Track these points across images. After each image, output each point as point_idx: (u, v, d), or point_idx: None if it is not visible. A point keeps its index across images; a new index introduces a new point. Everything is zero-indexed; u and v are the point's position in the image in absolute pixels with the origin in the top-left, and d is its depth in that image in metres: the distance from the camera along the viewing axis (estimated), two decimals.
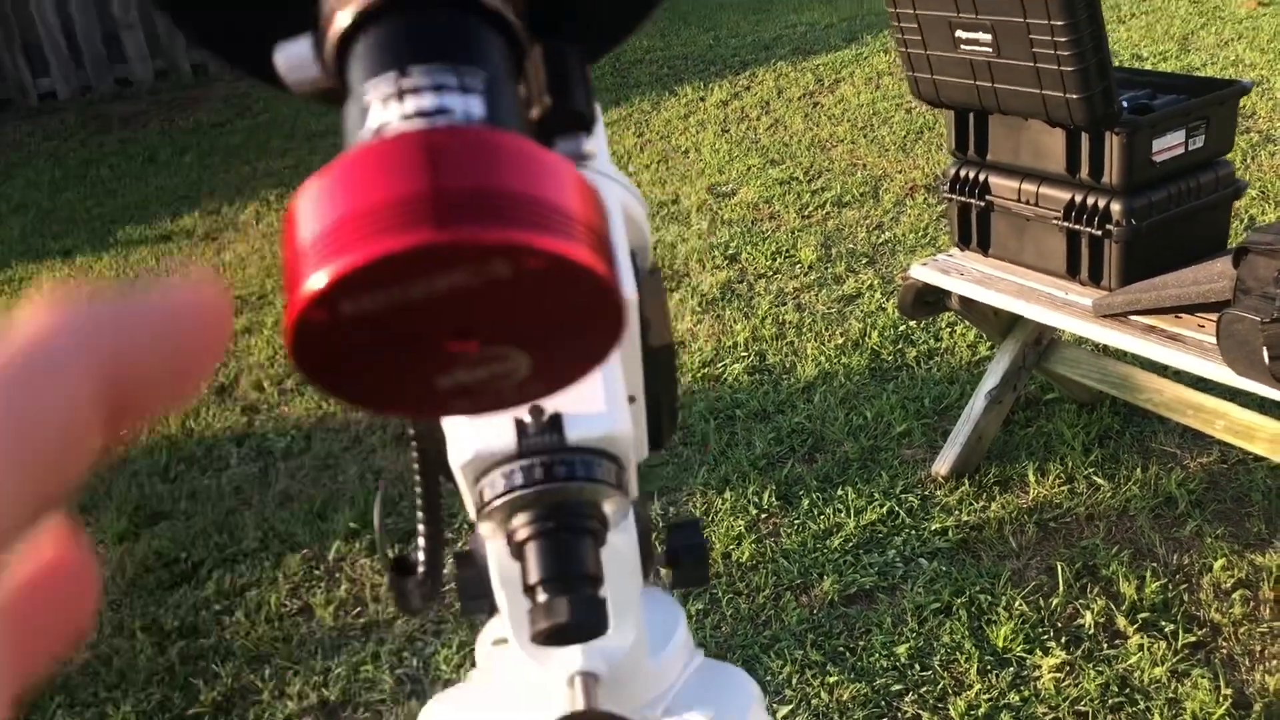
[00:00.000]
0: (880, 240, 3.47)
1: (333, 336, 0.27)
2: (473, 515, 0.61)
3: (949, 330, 2.89)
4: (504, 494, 0.56)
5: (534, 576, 0.56)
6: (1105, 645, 1.94)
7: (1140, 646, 1.92)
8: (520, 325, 0.29)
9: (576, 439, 0.57)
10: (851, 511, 2.31)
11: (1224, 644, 1.92)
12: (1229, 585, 2.03)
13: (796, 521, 2.31)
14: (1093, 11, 1.94)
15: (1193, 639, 1.93)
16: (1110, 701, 1.83)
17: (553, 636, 0.55)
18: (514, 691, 0.71)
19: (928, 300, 2.38)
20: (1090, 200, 2.08)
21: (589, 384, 0.58)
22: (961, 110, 2.24)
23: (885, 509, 2.31)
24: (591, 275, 0.28)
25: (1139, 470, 2.33)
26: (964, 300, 2.32)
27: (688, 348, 3.01)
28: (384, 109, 0.30)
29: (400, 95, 0.31)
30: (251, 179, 4.83)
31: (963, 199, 2.29)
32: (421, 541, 0.83)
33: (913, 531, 2.25)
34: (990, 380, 2.40)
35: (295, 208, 0.29)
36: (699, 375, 2.88)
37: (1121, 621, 1.98)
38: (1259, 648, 1.91)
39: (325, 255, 0.27)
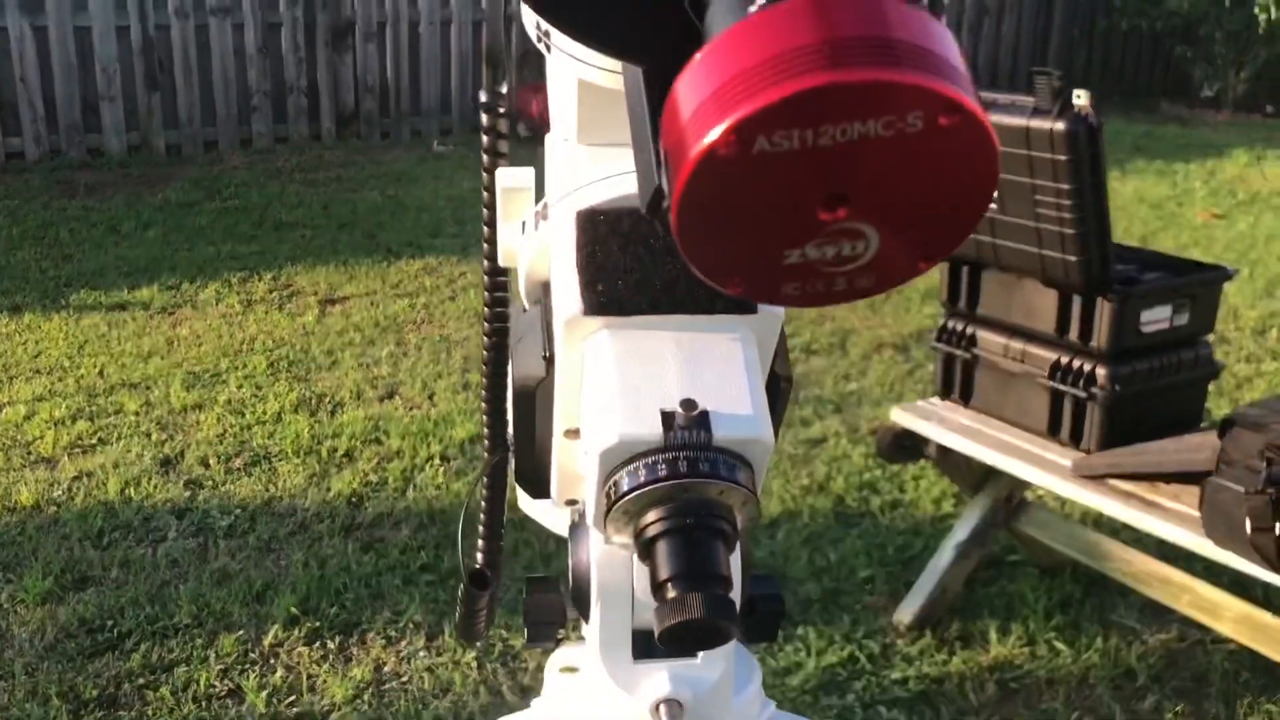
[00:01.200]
0: (848, 390, 3.50)
1: (727, 178, 0.28)
2: (593, 515, 0.58)
3: (914, 483, 2.90)
4: (645, 485, 0.54)
5: (666, 572, 0.53)
6: None
7: None
8: (896, 192, 0.29)
9: (723, 438, 0.55)
10: (812, 652, 2.27)
11: None
12: None
13: (756, 654, 2.25)
14: (1097, 179, 2.01)
15: None
16: None
17: (681, 635, 0.52)
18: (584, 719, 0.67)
19: (905, 445, 2.40)
20: (1077, 363, 2.12)
21: (737, 384, 0.57)
22: (957, 262, 2.29)
23: (846, 653, 2.27)
24: (988, 140, 0.29)
25: (1100, 639, 2.33)
26: (941, 449, 2.34)
27: None
28: None
29: None
30: (215, 260, 4.78)
31: (949, 349, 2.33)
32: (484, 562, 0.80)
33: (873, 678, 2.21)
34: (959, 534, 2.39)
35: (703, 53, 0.28)
36: None
37: None
38: None
39: (768, 80, 0.27)
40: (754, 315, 0.58)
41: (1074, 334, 2.13)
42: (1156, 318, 2.13)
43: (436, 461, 3.03)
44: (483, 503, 0.75)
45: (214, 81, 6.48)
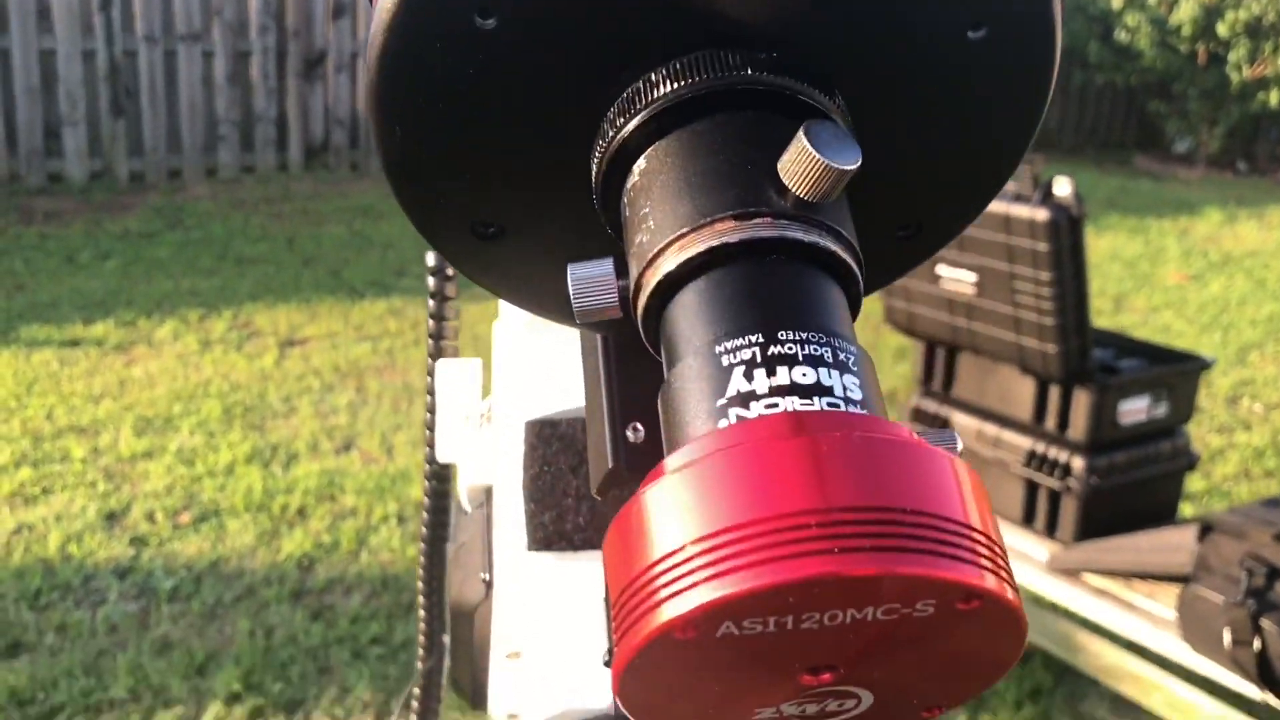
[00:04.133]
0: None
1: (683, 655, 0.22)
2: None
3: None
4: None
5: None
6: None
7: None
8: (897, 665, 0.24)
9: None
10: None
11: None
12: None
13: None
14: (1078, 268, 1.97)
15: None
16: None
17: None
18: None
19: None
20: (1053, 452, 2.07)
21: None
22: (932, 344, 2.24)
23: None
24: (1015, 621, 0.23)
25: None
26: None
27: None
28: (747, 379, 0.25)
29: (769, 364, 0.25)
30: (174, 295, 4.67)
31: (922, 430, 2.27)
32: None
33: None
34: None
35: (667, 485, 0.22)
36: None
37: None
38: None
39: (741, 557, 0.21)
40: None
41: (1050, 423, 2.08)
42: (1134, 408, 2.08)
43: (393, 522, 2.94)
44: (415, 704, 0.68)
45: (181, 109, 6.37)
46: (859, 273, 0.28)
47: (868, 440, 0.23)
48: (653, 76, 0.29)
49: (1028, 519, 2.12)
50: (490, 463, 0.57)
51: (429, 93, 0.29)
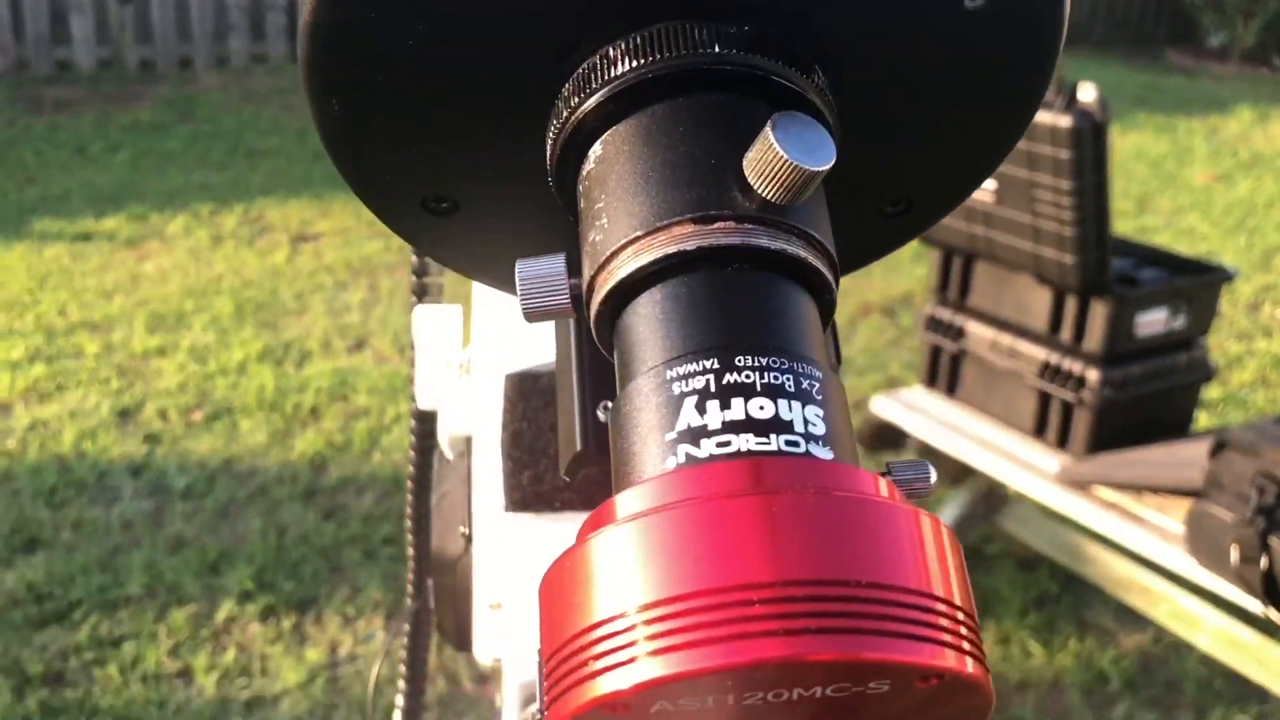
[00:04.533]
0: None
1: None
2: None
3: None
4: None
5: None
6: None
7: None
8: None
9: None
10: None
11: None
12: None
13: None
14: (1100, 179, 1.91)
15: None
16: None
17: None
18: None
19: (886, 435, 2.32)
20: (1067, 364, 2.04)
21: None
22: (949, 251, 2.19)
23: None
24: (981, 698, 0.20)
25: (1073, 641, 2.28)
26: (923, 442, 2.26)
27: None
28: (699, 411, 0.23)
29: (723, 395, 0.23)
30: (185, 189, 4.64)
31: (936, 339, 2.24)
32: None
33: None
34: None
35: (612, 539, 0.20)
36: None
37: None
38: None
39: (654, 646, 0.19)
40: None
41: (1066, 334, 2.05)
42: (1152, 320, 2.04)
43: (405, 422, 2.94)
44: (404, 652, 0.67)
45: None
46: (832, 279, 0.25)
47: (823, 501, 0.20)
48: (611, 51, 0.26)
49: (1039, 430, 2.11)
50: (470, 413, 0.55)
51: (367, 62, 0.27)
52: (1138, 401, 2.06)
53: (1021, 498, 2.39)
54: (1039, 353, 2.08)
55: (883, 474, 0.25)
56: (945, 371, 2.25)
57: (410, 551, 0.64)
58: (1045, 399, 2.09)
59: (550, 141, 0.28)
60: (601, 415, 0.35)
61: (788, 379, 0.23)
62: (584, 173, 0.27)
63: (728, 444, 0.23)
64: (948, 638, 0.20)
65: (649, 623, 0.19)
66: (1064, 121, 1.84)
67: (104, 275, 3.78)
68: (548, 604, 0.22)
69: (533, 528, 0.50)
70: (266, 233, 4.23)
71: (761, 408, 0.23)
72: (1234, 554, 1.69)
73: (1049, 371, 2.06)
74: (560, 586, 0.21)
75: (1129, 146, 5.84)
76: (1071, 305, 2.02)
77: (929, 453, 2.27)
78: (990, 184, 2.01)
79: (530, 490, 0.49)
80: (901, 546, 0.21)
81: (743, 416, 0.23)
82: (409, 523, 0.64)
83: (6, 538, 2.41)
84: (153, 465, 2.72)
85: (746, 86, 0.26)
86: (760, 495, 0.20)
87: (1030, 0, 0.26)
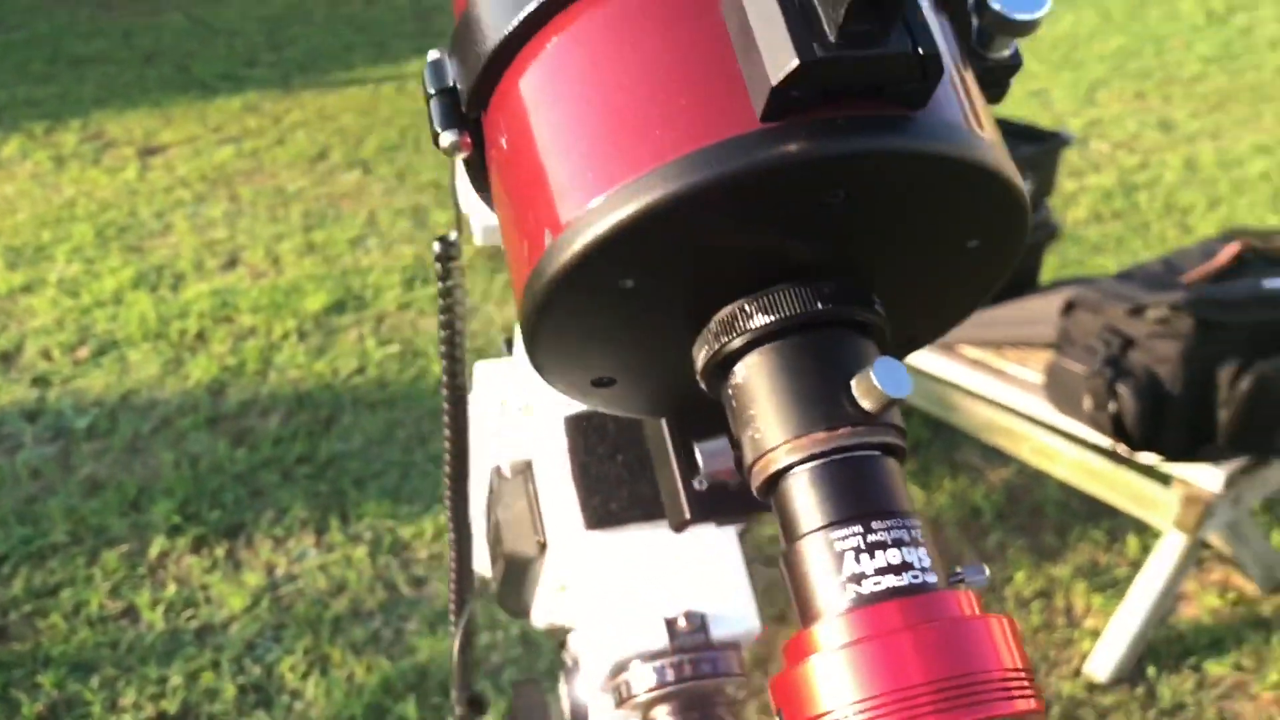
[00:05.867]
0: None
1: None
2: (591, 685, 0.64)
3: None
4: (655, 689, 0.61)
5: None
6: None
7: None
8: None
9: (720, 636, 0.62)
10: None
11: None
12: (1029, 595, 2.25)
13: None
14: None
15: None
16: None
17: None
18: None
19: None
20: None
21: (730, 581, 0.63)
22: None
23: None
24: (1043, 715, 0.34)
25: (947, 480, 2.53)
26: None
27: None
28: (856, 561, 0.36)
29: (870, 549, 0.37)
30: (10, 105, 4.43)
31: None
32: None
33: None
34: None
35: (827, 663, 0.33)
36: None
37: None
38: (1054, 653, 2.14)
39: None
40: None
41: None
42: None
43: (294, 339, 2.99)
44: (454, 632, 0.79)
45: None
46: (905, 448, 0.39)
47: (951, 623, 0.34)
48: (746, 307, 0.39)
49: None
50: (530, 443, 0.67)
51: (577, 330, 0.39)
52: None
53: None
54: None
55: (957, 580, 0.39)
56: None
57: (451, 569, 0.76)
58: None
59: (704, 360, 0.40)
60: (697, 485, 0.49)
61: (904, 533, 0.37)
62: (732, 381, 0.40)
63: (879, 584, 0.36)
64: (1031, 690, 0.34)
65: (860, 713, 0.33)
66: None
67: None
68: (785, 695, 0.35)
69: (603, 539, 0.63)
70: (110, 148, 4.10)
71: (894, 556, 0.36)
72: (1087, 402, 1.92)
73: None
74: (794, 688, 0.34)
75: None
76: None
77: None
78: None
79: (601, 511, 0.62)
80: (996, 641, 0.34)
81: (885, 564, 0.36)
82: (450, 550, 0.76)
83: None
84: (47, 408, 2.72)
85: (840, 326, 0.39)
86: (909, 630, 0.34)
87: (1010, 233, 0.40)
